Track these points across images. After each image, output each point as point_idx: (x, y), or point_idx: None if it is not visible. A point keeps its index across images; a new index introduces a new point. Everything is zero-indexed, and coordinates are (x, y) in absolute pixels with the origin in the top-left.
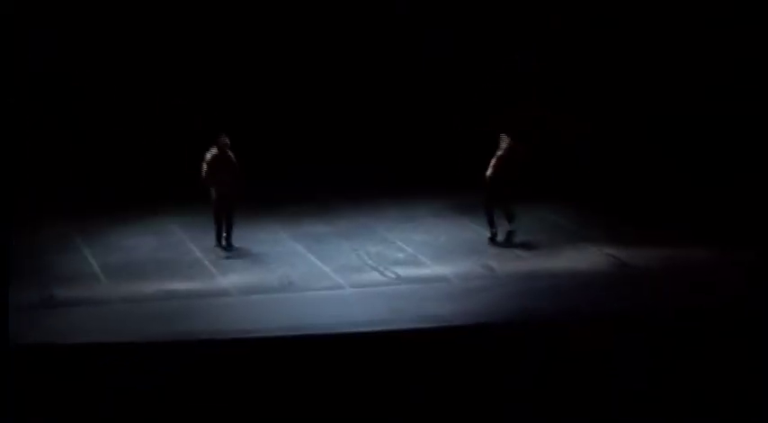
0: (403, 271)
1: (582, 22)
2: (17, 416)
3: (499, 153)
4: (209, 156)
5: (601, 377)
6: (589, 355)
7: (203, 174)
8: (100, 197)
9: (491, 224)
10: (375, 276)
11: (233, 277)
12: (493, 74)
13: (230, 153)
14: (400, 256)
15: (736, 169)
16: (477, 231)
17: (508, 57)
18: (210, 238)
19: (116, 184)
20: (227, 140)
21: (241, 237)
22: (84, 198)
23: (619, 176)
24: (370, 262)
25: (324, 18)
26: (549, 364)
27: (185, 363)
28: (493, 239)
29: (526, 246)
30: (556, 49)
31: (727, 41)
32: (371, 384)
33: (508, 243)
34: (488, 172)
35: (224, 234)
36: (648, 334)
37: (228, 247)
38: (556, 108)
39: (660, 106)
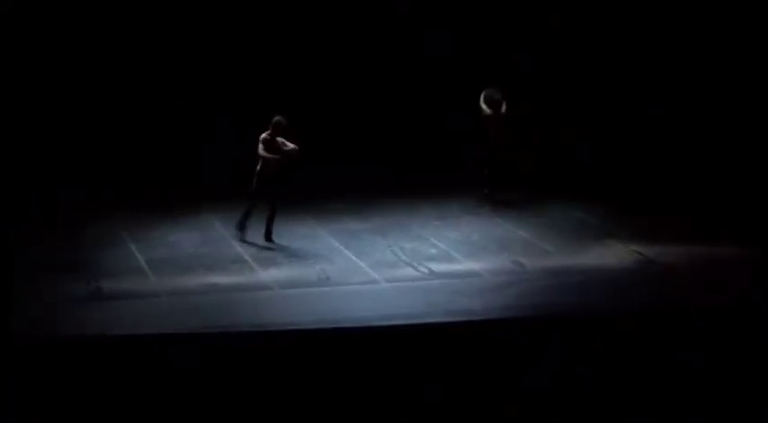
0: (436, 266)
1: (582, 23)
2: (62, 405)
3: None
4: (262, 135)
5: (623, 373)
6: (613, 351)
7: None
8: (144, 194)
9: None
10: (409, 272)
11: (273, 272)
12: (493, 74)
13: (279, 138)
14: (433, 252)
15: (746, 167)
16: (507, 229)
17: (508, 57)
18: (252, 235)
19: (159, 181)
20: (280, 121)
21: (280, 233)
22: (128, 195)
23: (628, 176)
24: (404, 258)
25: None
26: (576, 359)
27: (228, 353)
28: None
29: (554, 242)
30: (556, 50)
31: (728, 41)
32: (407, 375)
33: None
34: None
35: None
36: (672, 331)
37: (268, 240)
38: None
39: (661, 105)
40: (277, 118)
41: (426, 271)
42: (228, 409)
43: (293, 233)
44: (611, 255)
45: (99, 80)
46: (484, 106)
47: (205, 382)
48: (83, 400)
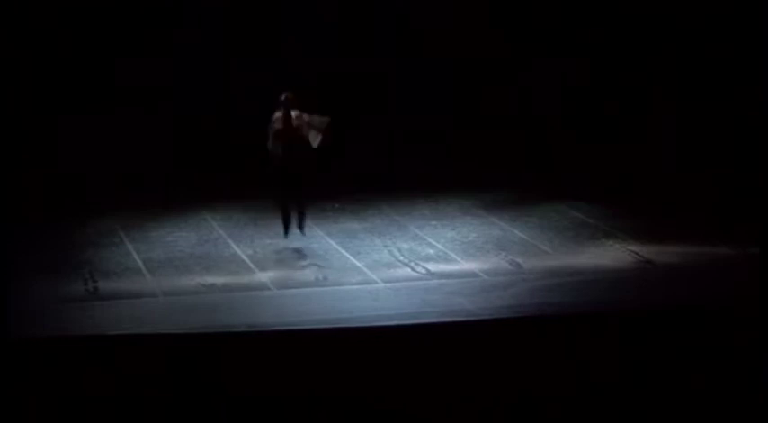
0: (433, 267)
1: (583, 22)
2: (60, 405)
3: None
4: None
5: (621, 374)
6: (612, 351)
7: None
8: (141, 194)
9: None
10: (406, 272)
11: (270, 272)
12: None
13: (293, 113)
14: (431, 252)
15: (746, 166)
16: (504, 229)
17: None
18: (251, 235)
19: (156, 181)
20: (289, 96)
21: (276, 233)
22: (126, 195)
23: (627, 175)
24: (401, 258)
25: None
26: (574, 360)
27: (225, 353)
28: None
29: (552, 243)
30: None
31: (729, 41)
32: (404, 375)
33: None
34: None
35: (296, 221)
36: (671, 332)
37: (302, 233)
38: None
39: (660, 104)
40: (283, 95)
41: (424, 271)
42: (225, 409)
43: (291, 233)
44: (609, 255)
45: (97, 79)
46: None
47: (202, 381)
48: (80, 400)
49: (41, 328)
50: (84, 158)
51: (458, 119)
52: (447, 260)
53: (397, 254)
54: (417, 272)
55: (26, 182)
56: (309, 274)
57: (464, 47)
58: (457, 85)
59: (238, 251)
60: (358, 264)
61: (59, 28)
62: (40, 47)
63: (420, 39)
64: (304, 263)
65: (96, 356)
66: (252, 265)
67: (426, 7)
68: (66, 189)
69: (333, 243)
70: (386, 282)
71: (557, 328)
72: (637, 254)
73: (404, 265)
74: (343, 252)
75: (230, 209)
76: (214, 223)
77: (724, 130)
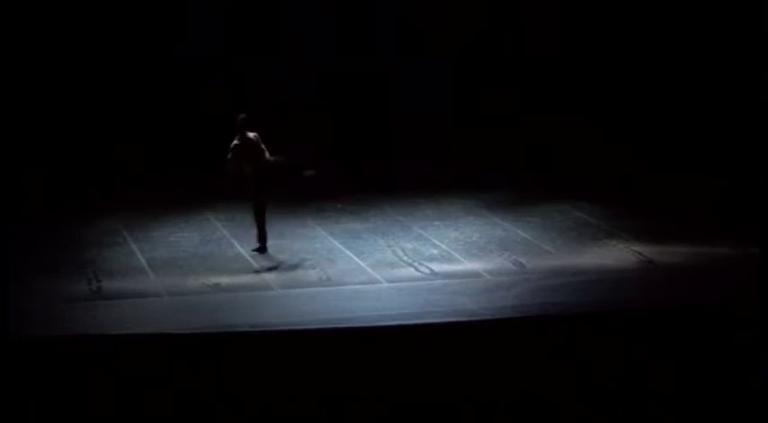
0: (437, 267)
1: (585, 22)
2: (63, 405)
3: None
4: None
5: (623, 373)
6: (614, 351)
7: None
8: (145, 194)
9: None
10: (410, 272)
11: (273, 272)
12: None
13: (251, 135)
14: (434, 252)
15: (746, 166)
16: (507, 229)
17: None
18: (252, 235)
19: (160, 181)
20: (245, 119)
21: (280, 233)
22: (129, 195)
23: (629, 176)
24: (405, 258)
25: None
26: (576, 359)
27: (229, 353)
28: None
29: (555, 243)
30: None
31: (728, 41)
32: (407, 375)
33: None
34: None
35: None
36: (672, 331)
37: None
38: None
39: (662, 106)
40: (239, 118)
41: (427, 271)
42: (228, 408)
43: (293, 233)
44: (612, 255)
45: (98, 78)
46: None
47: (205, 381)
48: (83, 399)
49: (44, 327)
50: (85, 158)
51: (458, 119)
52: (450, 260)
53: (400, 254)
54: (421, 272)
55: (26, 182)
56: (313, 273)
57: (464, 47)
58: (457, 85)
59: (242, 251)
60: (361, 264)
61: (59, 28)
62: (40, 47)
63: (420, 39)
64: (307, 263)
65: (99, 356)
66: (255, 265)
67: (426, 7)
68: (68, 189)
69: (336, 243)
70: (389, 282)
71: (560, 328)
72: (640, 254)
73: (407, 265)
74: (347, 252)
75: (233, 209)
76: (217, 223)
77: (724, 130)
